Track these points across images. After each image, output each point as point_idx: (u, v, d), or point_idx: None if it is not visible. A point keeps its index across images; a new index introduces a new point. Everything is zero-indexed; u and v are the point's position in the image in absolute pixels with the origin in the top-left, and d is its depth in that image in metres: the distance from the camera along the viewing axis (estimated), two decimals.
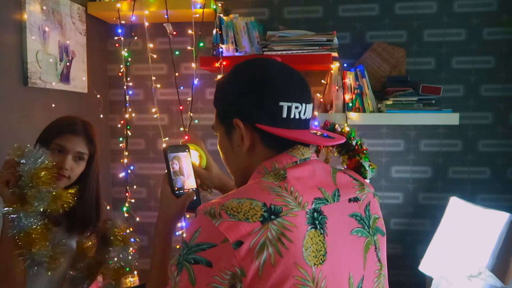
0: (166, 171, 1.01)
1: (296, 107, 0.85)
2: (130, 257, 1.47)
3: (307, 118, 0.89)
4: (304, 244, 0.73)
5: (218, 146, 0.97)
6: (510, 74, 2.34)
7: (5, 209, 1.18)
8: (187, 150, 1.06)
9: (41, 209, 1.22)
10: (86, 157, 1.41)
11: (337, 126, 1.94)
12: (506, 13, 2.32)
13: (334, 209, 0.82)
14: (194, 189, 1.04)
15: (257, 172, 0.86)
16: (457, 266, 1.89)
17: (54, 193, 1.23)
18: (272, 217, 0.73)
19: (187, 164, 1.05)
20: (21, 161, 1.20)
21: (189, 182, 1.04)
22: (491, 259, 1.82)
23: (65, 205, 1.27)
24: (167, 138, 2.51)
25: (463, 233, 1.95)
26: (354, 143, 1.94)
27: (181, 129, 2.49)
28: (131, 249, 1.49)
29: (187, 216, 2.26)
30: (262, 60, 0.92)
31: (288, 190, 0.78)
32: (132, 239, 1.52)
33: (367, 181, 0.96)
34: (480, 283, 1.80)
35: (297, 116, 0.86)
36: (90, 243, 1.53)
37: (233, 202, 0.75)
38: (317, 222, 0.77)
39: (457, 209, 2.06)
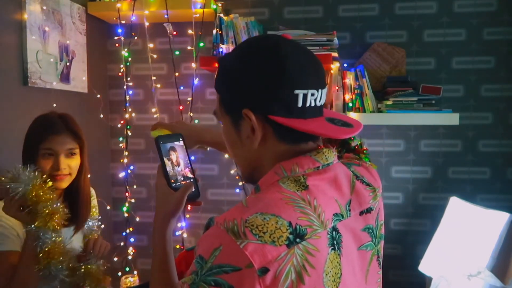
0: (159, 163, 0.94)
1: (312, 94, 0.77)
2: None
3: (322, 104, 0.81)
4: (325, 269, 0.69)
5: (223, 136, 0.87)
6: (510, 74, 2.34)
7: (31, 226, 1.25)
8: (180, 139, 1.00)
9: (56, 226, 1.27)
10: (77, 150, 1.45)
11: None
12: (506, 13, 2.32)
13: (347, 224, 0.77)
14: (192, 179, 0.97)
15: (273, 172, 0.78)
16: (457, 266, 1.89)
17: (47, 211, 1.26)
18: (298, 240, 0.68)
19: (182, 154, 0.98)
20: (17, 186, 1.23)
21: (186, 173, 0.97)
22: (491, 259, 1.82)
23: (61, 221, 1.30)
24: None
25: (463, 233, 1.95)
26: (354, 143, 1.94)
27: None
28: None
29: (189, 208, 2.25)
30: (273, 40, 0.80)
31: (312, 205, 0.72)
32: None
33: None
34: (480, 283, 1.80)
35: (312, 104, 0.77)
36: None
37: (258, 219, 0.68)
38: (335, 243, 0.72)
39: (457, 209, 2.06)
